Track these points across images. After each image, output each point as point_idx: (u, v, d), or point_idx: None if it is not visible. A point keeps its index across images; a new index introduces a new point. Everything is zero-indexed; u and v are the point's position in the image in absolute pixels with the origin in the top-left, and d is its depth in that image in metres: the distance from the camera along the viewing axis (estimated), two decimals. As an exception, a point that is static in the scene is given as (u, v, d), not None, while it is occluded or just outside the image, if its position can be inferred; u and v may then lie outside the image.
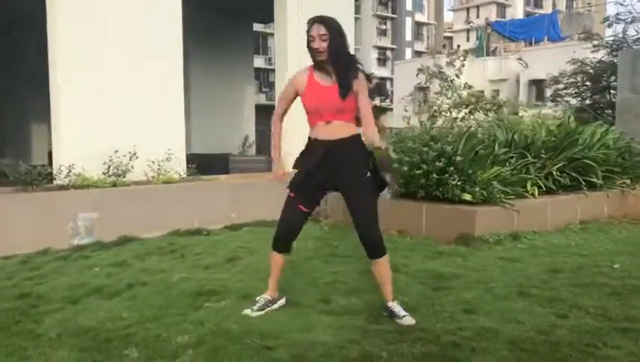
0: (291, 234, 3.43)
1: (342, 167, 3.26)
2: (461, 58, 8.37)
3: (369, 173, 3.26)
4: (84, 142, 7.95)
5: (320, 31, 3.15)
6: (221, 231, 6.36)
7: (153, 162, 8.65)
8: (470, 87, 8.37)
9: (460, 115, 7.54)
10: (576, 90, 13.89)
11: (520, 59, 25.18)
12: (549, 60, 23.55)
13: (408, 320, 3.17)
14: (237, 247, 5.35)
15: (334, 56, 3.17)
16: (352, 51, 3.46)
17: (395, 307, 3.27)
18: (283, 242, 3.44)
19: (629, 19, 12.43)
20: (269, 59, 48.12)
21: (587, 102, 13.41)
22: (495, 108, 7.63)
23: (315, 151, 3.29)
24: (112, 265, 4.70)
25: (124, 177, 8.18)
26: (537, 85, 28.83)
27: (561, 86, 14.45)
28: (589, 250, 5.07)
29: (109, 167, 8.15)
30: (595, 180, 6.82)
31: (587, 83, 13.61)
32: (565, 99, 13.86)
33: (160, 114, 9.06)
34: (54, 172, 7.96)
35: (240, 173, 11.17)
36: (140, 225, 6.36)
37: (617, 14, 13.21)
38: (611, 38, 13.06)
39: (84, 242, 5.56)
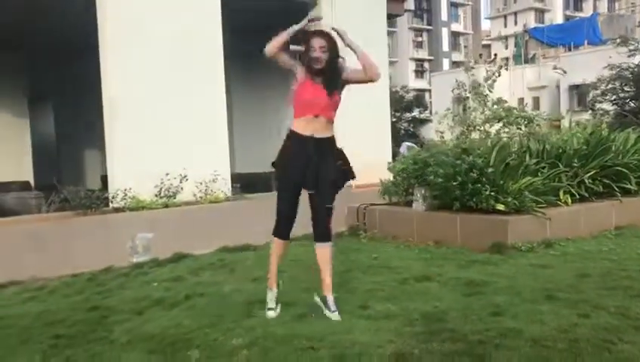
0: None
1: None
2: (496, 74, 8.53)
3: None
4: (137, 167, 8.55)
5: (320, 43, 3.68)
6: (266, 247, 6.75)
7: (201, 183, 9.19)
8: (504, 101, 8.54)
9: (493, 129, 7.75)
10: (616, 95, 13.85)
11: (555, 67, 24.90)
12: (589, 65, 23.32)
13: (336, 316, 3.67)
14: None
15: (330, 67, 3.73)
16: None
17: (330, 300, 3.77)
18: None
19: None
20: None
21: (628, 107, 13.36)
22: (526, 121, 7.80)
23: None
24: (169, 279, 5.15)
25: (175, 198, 8.72)
26: (578, 90, 28.50)
27: (599, 92, 14.42)
28: (620, 255, 5.24)
29: (161, 189, 8.72)
30: (629, 186, 6.94)
31: (627, 88, 13.56)
32: (603, 106, 13.83)
33: (206, 137, 9.62)
34: (110, 196, 8.57)
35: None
36: (192, 242, 6.83)
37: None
38: (648, 43, 13.01)
39: (142, 260, 6.05)
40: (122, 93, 8.42)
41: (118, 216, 7.20)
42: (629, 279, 4.34)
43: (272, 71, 14.93)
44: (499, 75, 8.94)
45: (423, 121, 42.66)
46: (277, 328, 3.54)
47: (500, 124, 7.90)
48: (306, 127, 3.81)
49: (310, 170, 3.79)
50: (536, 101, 33.58)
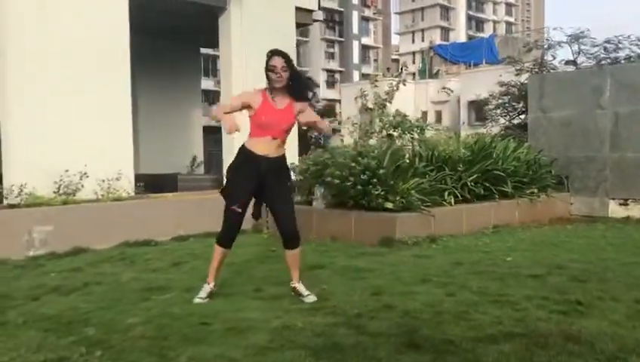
0: (234, 232, 4.05)
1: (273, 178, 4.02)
2: (395, 87, 9.05)
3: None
4: (35, 163, 8.31)
5: (281, 63, 3.88)
6: (169, 242, 6.87)
7: (103, 181, 9.07)
8: (401, 112, 9.12)
9: (389, 134, 8.30)
10: (505, 110, 15.05)
11: (444, 88, 26.68)
12: (486, 82, 25.00)
13: (311, 298, 3.90)
14: (183, 254, 5.89)
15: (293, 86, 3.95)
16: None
17: (300, 287, 4.00)
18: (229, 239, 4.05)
19: (546, 46, 13.68)
20: (219, 82, 48.79)
21: (515, 121, 14.56)
22: (418, 130, 8.46)
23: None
24: (68, 270, 5.17)
25: (75, 195, 8.57)
26: (476, 105, 30.38)
27: (491, 106, 15.62)
28: (492, 248, 5.86)
29: (60, 186, 8.54)
30: (506, 189, 7.68)
31: (514, 103, 14.77)
32: (495, 118, 15.00)
33: (109, 135, 9.50)
34: (4, 192, 8.30)
35: (188, 191, 11.64)
36: (92, 238, 6.80)
37: (536, 41, 14.49)
38: (531, 64, 14.28)
39: (40, 253, 5.98)
40: (17, 85, 8.19)
41: (13, 212, 7.03)
42: (494, 266, 4.92)
43: (179, 72, 14.91)
44: (397, 89, 9.48)
45: (333, 131, 43.68)
46: (174, 308, 3.74)
47: (397, 132, 8.48)
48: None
49: None
50: (439, 114, 35.43)
